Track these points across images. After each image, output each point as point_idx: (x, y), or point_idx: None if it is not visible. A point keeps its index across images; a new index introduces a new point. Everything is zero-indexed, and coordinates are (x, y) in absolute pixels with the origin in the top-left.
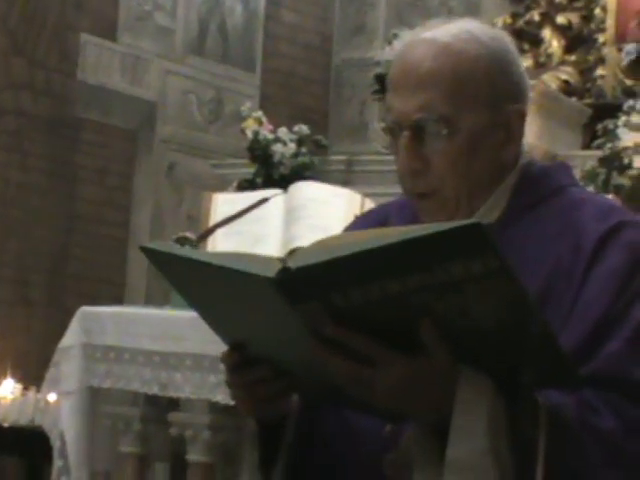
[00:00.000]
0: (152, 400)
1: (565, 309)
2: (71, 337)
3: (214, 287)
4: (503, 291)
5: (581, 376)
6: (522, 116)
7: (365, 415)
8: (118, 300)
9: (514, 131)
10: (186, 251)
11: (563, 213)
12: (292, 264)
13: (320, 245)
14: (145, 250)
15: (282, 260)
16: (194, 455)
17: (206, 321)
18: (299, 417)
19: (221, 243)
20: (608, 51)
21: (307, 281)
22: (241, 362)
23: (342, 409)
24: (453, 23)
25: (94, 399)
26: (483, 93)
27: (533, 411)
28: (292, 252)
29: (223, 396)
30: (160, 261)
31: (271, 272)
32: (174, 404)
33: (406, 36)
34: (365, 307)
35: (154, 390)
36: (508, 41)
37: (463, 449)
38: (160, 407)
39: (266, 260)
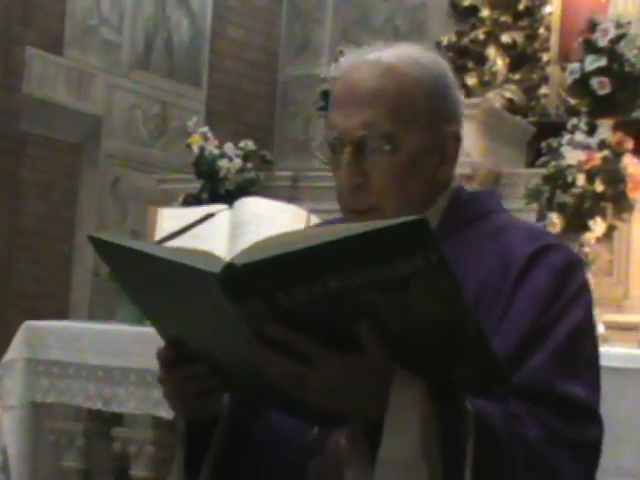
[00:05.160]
0: (95, 415)
1: (493, 323)
2: (14, 351)
3: (158, 281)
4: (441, 286)
5: (510, 379)
6: (457, 139)
7: (296, 417)
8: (62, 315)
9: (449, 153)
10: (133, 243)
11: (491, 236)
12: (237, 261)
13: (266, 243)
14: (92, 240)
15: None
16: (137, 471)
17: (146, 315)
18: (228, 419)
19: None
20: (552, 70)
21: (251, 278)
22: (176, 358)
23: (270, 413)
24: (396, 47)
25: (37, 414)
26: (424, 114)
27: (463, 418)
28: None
29: (167, 411)
30: (106, 252)
31: (216, 268)
32: (117, 419)
33: (350, 56)
34: (308, 306)
35: (98, 405)
36: (446, 66)
37: (395, 449)
38: (103, 422)
39: (212, 256)
